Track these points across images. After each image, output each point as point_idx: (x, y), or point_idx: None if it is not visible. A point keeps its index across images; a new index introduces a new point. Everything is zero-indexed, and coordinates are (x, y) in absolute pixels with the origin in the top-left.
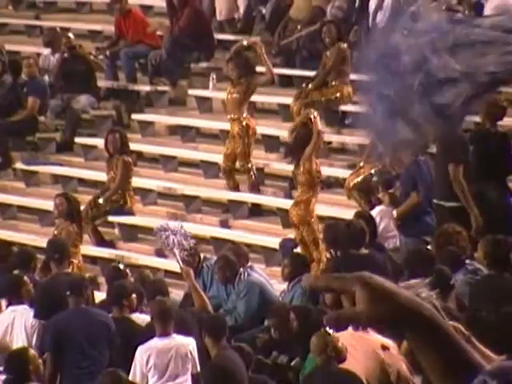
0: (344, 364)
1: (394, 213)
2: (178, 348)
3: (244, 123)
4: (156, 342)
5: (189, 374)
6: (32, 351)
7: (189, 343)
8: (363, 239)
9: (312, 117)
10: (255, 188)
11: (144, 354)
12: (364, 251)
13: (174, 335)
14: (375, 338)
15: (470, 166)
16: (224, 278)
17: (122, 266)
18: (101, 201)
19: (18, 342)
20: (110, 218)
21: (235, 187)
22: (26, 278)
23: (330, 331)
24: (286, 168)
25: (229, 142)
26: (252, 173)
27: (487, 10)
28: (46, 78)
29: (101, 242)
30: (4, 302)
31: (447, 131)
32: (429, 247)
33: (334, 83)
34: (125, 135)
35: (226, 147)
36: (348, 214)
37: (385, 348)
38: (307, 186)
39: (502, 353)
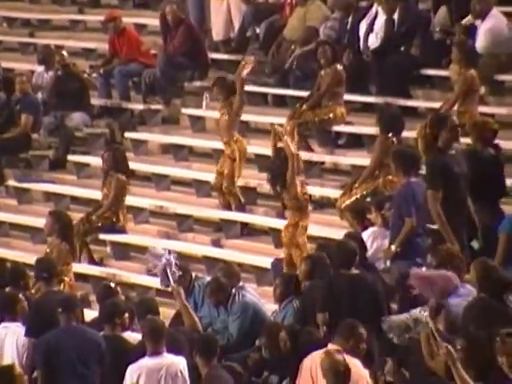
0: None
1: (393, 247)
2: (168, 367)
3: (235, 146)
4: (147, 361)
5: None
6: (18, 369)
7: (179, 362)
8: (354, 259)
9: (282, 137)
10: (242, 209)
11: (134, 372)
12: (354, 271)
13: (165, 354)
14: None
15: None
16: (216, 301)
17: (112, 285)
18: (94, 217)
19: (8, 359)
20: (102, 236)
21: (226, 205)
22: (21, 295)
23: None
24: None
25: (222, 160)
26: (237, 195)
27: (481, 33)
28: (40, 95)
29: (90, 260)
30: None
31: None
32: (423, 269)
33: (327, 104)
34: (121, 153)
35: (220, 165)
36: (340, 234)
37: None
38: (295, 209)
39: (486, 372)
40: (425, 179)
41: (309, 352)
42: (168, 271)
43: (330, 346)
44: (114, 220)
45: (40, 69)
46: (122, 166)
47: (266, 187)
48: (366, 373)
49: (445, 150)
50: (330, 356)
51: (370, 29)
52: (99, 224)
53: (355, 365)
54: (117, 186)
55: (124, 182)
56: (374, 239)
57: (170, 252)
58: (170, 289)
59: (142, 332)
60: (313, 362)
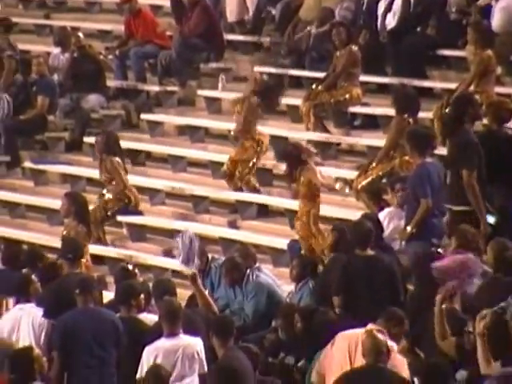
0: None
1: (408, 228)
2: (185, 348)
3: (257, 138)
4: (163, 342)
5: (196, 374)
6: (37, 350)
7: (196, 343)
8: (369, 239)
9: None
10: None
11: (151, 354)
12: (370, 252)
13: (182, 335)
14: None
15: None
16: (231, 280)
17: (130, 267)
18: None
19: (25, 340)
20: (119, 218)
21: (238, 189)
22: (33, 276)
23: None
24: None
25: (238, 148)
26: (251, 183)
27: (496, 11)
28: (56, 77)
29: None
30: (11, 301)
31: None
32: (439, 250)
33: (343, 85)
34: (113, 137)
35: (235, 153)
36: (356, 215)
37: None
38: (307, 198)
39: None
40: (450, 159)
41: (323, 332)
42: (193, 255)
43: (370, 326)
44: (126, 201)
45: (56, 51)
46: (114, 149)
47: (281, 169)
48: (404, 360)
49: (469, 129)
50: (372, 336)
51: (389, 8)
52: (116, 208)
53: (394, 349)
54: (112, 168)
55: (118, 162)
56: (390, 220)
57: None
58: (185, 271)
59: (159, 313)
60: (351, 342)
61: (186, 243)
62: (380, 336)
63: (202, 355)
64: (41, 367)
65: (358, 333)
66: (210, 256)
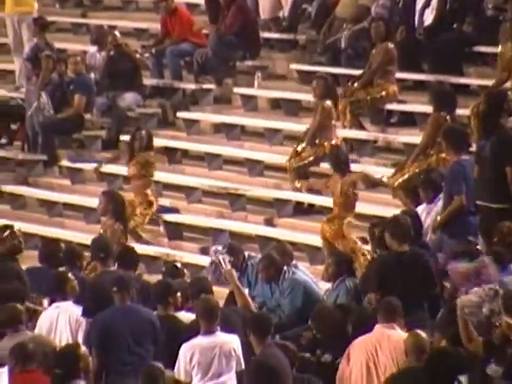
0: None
1: (438, 218)
2: (222, 346)
3: (333, 142)
4: (200, 340)
5: (233, 371)
6: (83, 348)
7: (233, 341)
8: (408, 236)
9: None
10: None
11: (188, 351)
12: (405, 248)
13: (218, 333)
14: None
15: None
16: (268, 277)
17: (179, 265)
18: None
19: (62, 337)
20: (156, 216)
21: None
22: (70, 274)
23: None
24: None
25: (306, 144)
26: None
27: None
28: (92, 75)
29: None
30: (46, 301)
31: None
32: (478, 247)
33: (379, 82)
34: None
35: (301, 148)
36: (393, 212)
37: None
38: (343, 207)
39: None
40: (492, 156)
41: (360, 330)
42: (221, 264)
43: (377, 326)
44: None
45: (93, 49)
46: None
47: (322, 166)
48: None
49: (505, 124)
50: (415, 335)
51: (427, 3)
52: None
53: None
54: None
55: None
56: (427, 215)
57: (217, 251)
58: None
59: (196, 311)
60: (367, 347)
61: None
62: (422, 335)
63: (239, 352)
64: (86, 366)
65: (370, 336)
66: (246, 254)
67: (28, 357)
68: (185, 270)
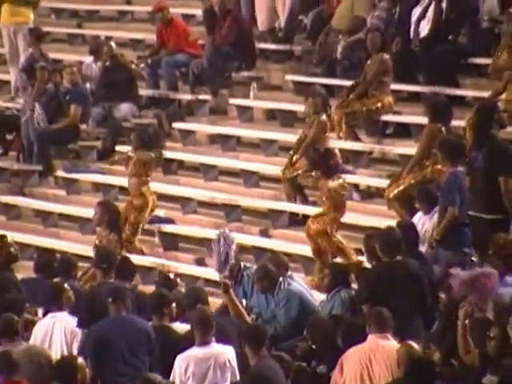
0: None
1: (434, 233)
2: (216, 357)
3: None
4: (195, 351)
5: (228, 382)
6: (80, 360)
7: (227, 352)
8: (398, 250)
9: None
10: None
11: (182, 362)
12: (398, 259)
13: (213, 344)
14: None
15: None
16: (263, 288)
17: (172, 275)
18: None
19: (57, 348)
20: (151, 227)
21: (290, 196)
22: (66, 285)
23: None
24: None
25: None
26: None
27: None
28: (88, 85)
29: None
30: (41, 310)
31: None
32: (473, 259)
33: (374, 93)
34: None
35: (296, 158)
36: (388, 224)
37: None
38: (332, 208)
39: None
40: (485, 166)
41: (351, 341)
42: (228, 259)
43: (370, 337)
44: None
45: (89, 59)
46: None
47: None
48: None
49: (497, 135)
50: (407, 346)
51: (423, 15)
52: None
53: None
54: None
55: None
56: (423, 224)
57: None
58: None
59: (191, 322)
60: (361, 357)
61: (223, 244)
62: (413, 346)
63: (234, 363)
64: (83, 377)
65: (364, 346)
66: (242, 264)
67: (12, 366)
68: (178, 280)
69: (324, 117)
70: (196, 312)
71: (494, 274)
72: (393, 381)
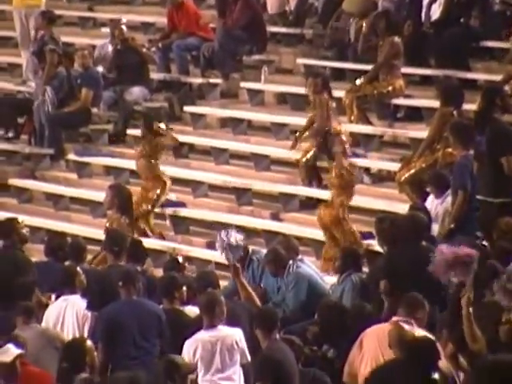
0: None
1: (446, 220)
2: (224, 339)
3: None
4: (203, 335)
5: (237, 365)
6: (89, 343)
7: (235, 334)
8: (424, 232)
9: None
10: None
11: (191, 346)
12: (412, 243)
13: (220, 327)
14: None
15: None
16: (273, 271)
17: (181, 259)
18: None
19: (69, 331)
20: (162, 210)
21: (308, 182)
22: (79, 268)
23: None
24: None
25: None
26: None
27: None
28: (101, 68)
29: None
30: (53, 295)
31: None
32: (484, 243)
33: (385, 77)
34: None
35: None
36: (399, 207)
37: None
38: (340, 188)
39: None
40: (489, 149)
41: (361, 325)
42: (232, 251)
43: (395, 318)
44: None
45: (104, 41)
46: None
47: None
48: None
49: (500, 118)
50: (398, 327)
51: None
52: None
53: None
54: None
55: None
56: (435, 207)
57: (229, 234)
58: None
59: (198, 306)
60: (380, 336)
61: (225, 240)
62: (406, 327)
63: (243, 345)
64: (92, 360)
65: (384, 327)
66: (250, 248)
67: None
68: (186, 264)
69: (326, 95)
70: (203, 296)
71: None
72: (390, 361)
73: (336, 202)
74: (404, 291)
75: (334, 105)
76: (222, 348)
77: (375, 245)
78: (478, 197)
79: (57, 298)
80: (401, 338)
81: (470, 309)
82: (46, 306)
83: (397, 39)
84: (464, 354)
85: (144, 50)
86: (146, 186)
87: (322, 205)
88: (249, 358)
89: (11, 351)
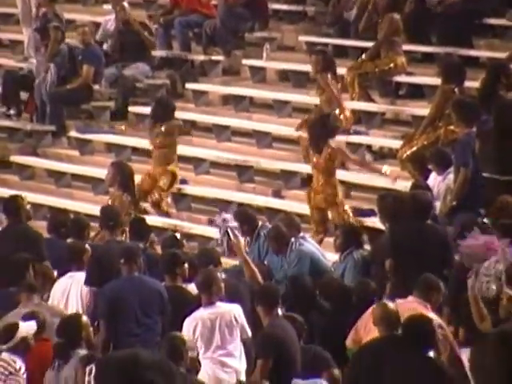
0: None
1: (448, 197)
2: (222, 316)
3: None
4: (201, 312)
5: (237, 340)
6: (85, 318)
7: (232, 309)
8: (427, 211)
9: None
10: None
11: (190, 324)
12: (415, 221)
13: (219, 303)
14: (432, 316)
15: None
16: (275, 248)
17: (178, 236)
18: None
19: (73, 307)
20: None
21: None
22: (87, 245)
23: (389, 303)
24: (341, 139)
25: None
26: None
27: None
28: (105, 46)
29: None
30: (55, 272)
31: None
32: (484, 220)
33: (386, 54)
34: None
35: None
36: (401, 185)
37: (440, 327)
38: (326, 172)
39: None
40: (496, 126)
41: (364, 302)
42: (230, 235)
43: (411, 298)
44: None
45: (107, 17)
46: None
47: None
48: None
49: (505, 96)
50: (383, 305)
51: None
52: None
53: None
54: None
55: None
56: (437, 185)
57: (226, 219)
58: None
59: (196, 284)
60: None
61: (222, 228)
62: (390, 306)
63: (242, 320)
64: (88, 335)
65: (400, 304)
66: (259, 223)
67: (40, 325)
68: (184, 241)
69: (329, 75)
70: (200, 274)
71: (495, 243)
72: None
73: (326, 183)
74: (408, 269)
75: (338, 86)
76: (221, 324)
77: (377, 222)
78: (485, 174)
79: (59, 274)
80: (385, 315)
81: (476, 290)
82: (54, 281)
83: (396, 16)
84: (470, 332)
85: (145, 33)
86: (154, 174)
87: (312, 190)
88: (249, 333)
89: (31, 326)
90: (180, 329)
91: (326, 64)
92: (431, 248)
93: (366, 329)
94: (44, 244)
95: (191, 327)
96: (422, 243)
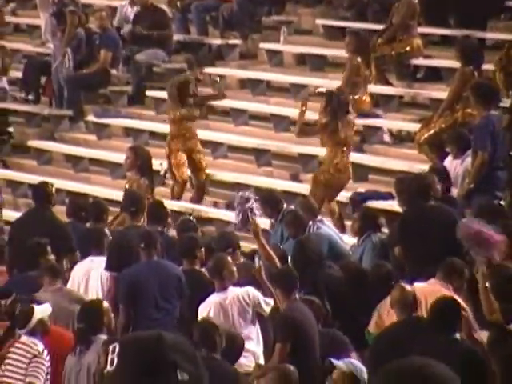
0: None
1: (466, 181)
2: (235, 300)
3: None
4: (214, 297)
5: (253, 324)
6: (106, 304)
7: (243, 292)
8: (428, 192)
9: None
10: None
11: (204, 310)
12: (432, 203)
13: (231, 288)
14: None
15: None
16: (293, 233)
17: (192, 219)
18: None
19: (93, 292)
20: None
21: None
22: (107, 230)
23: (407, 285)
24: (357, 122)
25: None
26: None
27: None
28: (122, 31)
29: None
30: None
31: None
32: (501, 202)
33: (403, 37)
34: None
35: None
36: (419, 168)
37: (463, 309)
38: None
39: None
40: None
41: (380, 286)
42: (248, 215)
43: (433, 280)
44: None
45: (123, 2)
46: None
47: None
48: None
49: None
50: (400, 287)
51: None
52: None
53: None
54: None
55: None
56: (455, 168)
57: (249, 199)
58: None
59: (207, 270)
60: (423, 294)
61: (241, 204)
62: (408, 288)
63: (255, 299)
64: (109, 321)
65: (423, 287)
66: (285, 205)
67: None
68: (197, 225)
69: (358, 59)
70: (211, 260)
71: (496, 235)
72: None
73: (334, 154)
74: (414, 252)
75: (366, 72)
76: (233, 309)
77: (395, 205)
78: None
79: (80, 258)
80: (402, 298)
81: (487, 283)
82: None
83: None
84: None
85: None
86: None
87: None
88: (266, 310)
89: (47, 308)
90: (197, 313)
91: (357, 46)
92: (438, 228)
93: (390, 313)
94: (71, 233)
95: (205, 313)
96: (425, 225)
